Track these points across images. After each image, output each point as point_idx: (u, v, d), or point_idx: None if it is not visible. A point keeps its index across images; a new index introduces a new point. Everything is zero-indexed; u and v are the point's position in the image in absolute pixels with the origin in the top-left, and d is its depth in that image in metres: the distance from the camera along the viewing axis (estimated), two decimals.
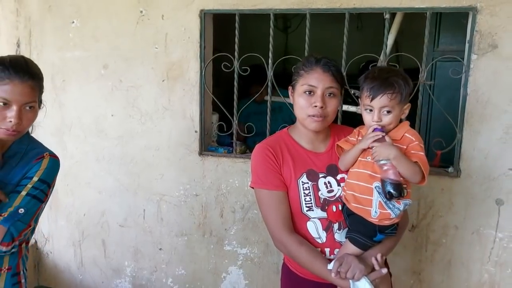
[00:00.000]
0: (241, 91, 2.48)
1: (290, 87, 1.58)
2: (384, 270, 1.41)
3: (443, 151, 2.23)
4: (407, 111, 1.44)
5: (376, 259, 1.42)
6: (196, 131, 2.54)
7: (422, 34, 2.19)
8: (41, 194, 1.41)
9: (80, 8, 2.61)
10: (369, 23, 4.09)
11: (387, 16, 2.18)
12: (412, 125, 2.26)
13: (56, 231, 2.89)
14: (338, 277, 1.38)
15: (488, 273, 2.24)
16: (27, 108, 1.34)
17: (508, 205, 2.15)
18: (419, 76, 2.17)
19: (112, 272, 2.85)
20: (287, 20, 5.14)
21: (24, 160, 1.41)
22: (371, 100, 1.40)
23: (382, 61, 2.27)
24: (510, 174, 2.12)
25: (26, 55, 2.68)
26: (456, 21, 2.44)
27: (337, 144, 1.54)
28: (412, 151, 1.39)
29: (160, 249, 2.73)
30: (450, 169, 2.22)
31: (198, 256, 2.67)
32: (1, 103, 1.30)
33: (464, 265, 2.27)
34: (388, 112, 1.40)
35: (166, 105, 2.56)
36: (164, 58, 2.51)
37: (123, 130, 2.66)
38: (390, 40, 2.35)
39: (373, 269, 1.41)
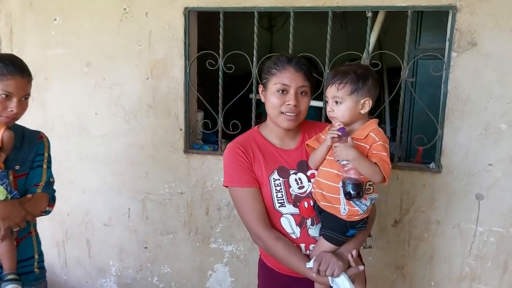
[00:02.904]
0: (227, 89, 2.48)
1: (260, 86, 1.60)
2: (361, 267, 1.45)
3: (425, 147, 2.27)
4: (367, 106, 1.44)
5: (352, 255, 1.45)
6: (181, 129, 2.53)
7: (405, 33, 2.22)
8: (51, 166, 1.73)
9: (62, 5, 2.58)
10: (353, 22, 4.14)
11: (369, 14, 2.21)
12: (395, 122, 2.31)
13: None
14: (318, 275, 1.41)
15: (469, 267, 2.28)
16: (23, 99, 1.55)
17: (487, 200, 2.19)
18: (401, 74, 2.21)
19: (96, 271, 2.82)
20: (272, 19, 5.17)
21: (28, 140, 1.66)
22: (326, 90, 1.46)
23: (364, 59, 2.30)
24: (489, 169, 2.17)
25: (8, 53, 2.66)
26: (437, 20, 2.49)
27: (306, 143, 1.56)
28: (374, 151, 1.40)
29: (145, 247, 2.71)
30: (432, 165, 2.26)
31: (183, 254, 2.67)
32: (4, 95, 1.50)
33: (446, 259, 2.31)
34: (339, 103, 1.43)
35: (151, 103, 2.55)
36: (148, 55, 2.50)
37: (107, 128, 2.64)
38: (372, 38, 2.39)
39: (349, 265, 1.44)
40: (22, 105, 1.56)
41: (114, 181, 2.68)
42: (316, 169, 1.52)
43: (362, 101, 1.42)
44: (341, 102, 1.42)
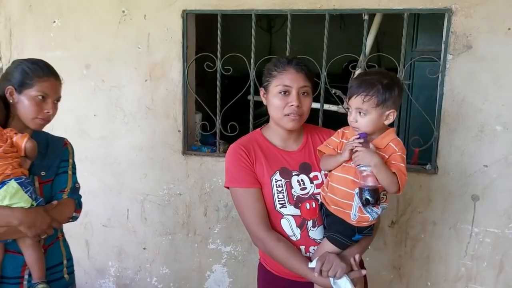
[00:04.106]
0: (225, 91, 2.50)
1: (262, 89, 1.60)
2: (364, 271, 1.45)
3: (421, 148, 2.29)
4: (391, 117, 1.40)
5: (355, 259, 1.44)
6: (179, 131, 2.55)
7: (402, 35, 2.24)
8: (76, 172, 1.72)
9: (61, 8, 2.59)
10: (352, 23, 4.16)
11: (366, 17, 2.23)
12: (391, 124, 2.34)
13: None
14: (320, 275, 1.40)
15: (465, 267, 2.30)
16: (55, 101, 1.57)
17: (483, 201, 2.22)
18: (397, 76, 2.23)
19: (96, 272, 2.84)
20: (271, 20, 5.19)
21: (53, 147, 1.65)
22: (349, 99, 1.42)
23: (361, 61, 2.32)
24: (485, 170, 2.19)
25: (7, 55, 2.69)
26: (434, 23, 2.51)
27: (318, 149, 1.56)
28: (393, 162, 1.38)
29: (144, 248, 2.73)
30: (428, 166, 2.28)
31: (182, 255, 2.68)
32: (40, 97, 1.51)
33: (442, 259, 2.33)
34: (363, 114, 1.39)
35: (149, 105, 2.56)
36: (146, 58, 2.52)
37: (106, 130, 2.66)
38: (369, 40, 2.41)
39: (352, 268, 1.44)
40: (55, 108, 1.57)
41: (113, 182, 2.70)
42: (320, 170, 1.52)
43: (387, 113, 1.39)
44: (366, 114, 1.39)
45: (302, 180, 1.55)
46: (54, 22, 2.62)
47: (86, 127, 2.68)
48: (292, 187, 1.54)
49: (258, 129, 1.67)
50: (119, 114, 2.62)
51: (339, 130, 1.54)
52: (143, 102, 2.57)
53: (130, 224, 2.72)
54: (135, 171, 2.65)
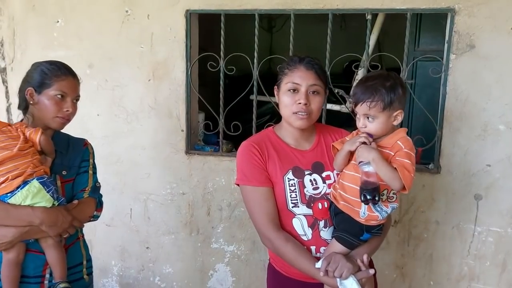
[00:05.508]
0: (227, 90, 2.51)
1: (275, 87, 1.60)
2: (372, 271, 1.43)
3: (424, 148, 2.29)
4: (399, 118, 1.41)
5: (362, 260, 1.43)
6: (182, 130, 2.55)
7: (404, 34, 2.25)
8: (96, 172, 1.74)
9: (64, 7, 2.60)
10: (353, 23, 4.17)
11: (369, 17, 2.23)
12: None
13: None
14: (326, 276, 1.39)
15: (468, 266, 2.31)
16: (74, 100, 1.60)
17: (486, 200, 2.22)
18: (400, 75, 2.23)
19: (99, 271, 2.83)
20: (272, 20, 5.19)
21: (73, 147, 1.67)
22: (355, 106, 1.43)
23: (364, 61, 2.32)
24: (488, 170, 2.19)
25: (10, 55, 2.69)
26: (436, 22, 2.51)
27: (332, 145, 1.55)
28: (397, 158, 1.38)
29: (147, 248, 2.74)
30: (431, 166, 2.28)
31: (185, 254, 2.69)
32: (60, 96, 1.54)
33: (445, 258, 2.34)
34: (371, 119, 1.40)
35: (152, 104, 2.57)
36: (149, 57, 2.52)
37: (109, 129, 2.66)
38: (372, 40, 2.41)
39: (359, 268, 1.43)
40: (75, 107, 1.59)
41: (116, 181, 2.70)
42: (340, 171, 1.51)
43: (394, 114, 1.40)
44: (374, 119, 1.40)
45: (314, 179, 1.54)
46: (57, 21, 2.62)
47: (89, 127, 2.68)
48: (304, 187, 1.52)
49: (271, 127, 1.67)
50: (122, 113, 2.62)
51: (353, 132, 1.55)
52: (146, 101, 2.57)
53: (133, 224, 2.73)
54: (138, 171, 2.66)
